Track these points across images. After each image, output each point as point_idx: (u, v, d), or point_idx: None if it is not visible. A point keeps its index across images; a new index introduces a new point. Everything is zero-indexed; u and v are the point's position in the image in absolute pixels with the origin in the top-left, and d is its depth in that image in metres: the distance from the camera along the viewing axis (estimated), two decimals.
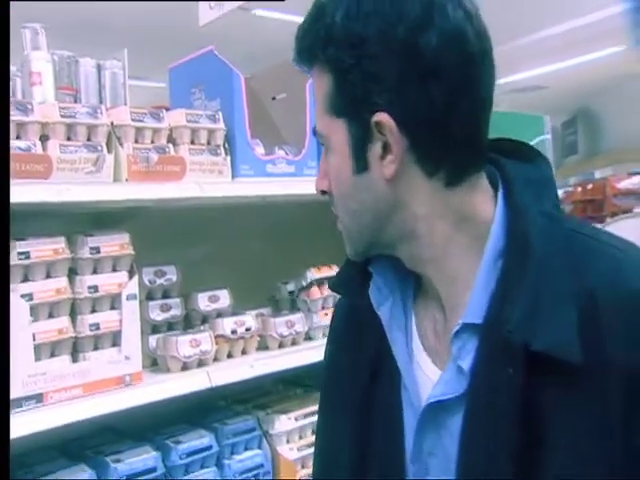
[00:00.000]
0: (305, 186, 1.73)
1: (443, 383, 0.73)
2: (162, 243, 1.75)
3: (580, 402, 0.65)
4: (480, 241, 0.73)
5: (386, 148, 0.71)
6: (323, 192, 0.80)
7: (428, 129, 0.70)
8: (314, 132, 0.79)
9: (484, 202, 0.74)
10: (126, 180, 1.42)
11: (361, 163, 0.74)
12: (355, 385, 0.82)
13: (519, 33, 7.05)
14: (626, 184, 6.56)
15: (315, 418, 1.74)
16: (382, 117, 0.70)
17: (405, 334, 0.79)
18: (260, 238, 2.04)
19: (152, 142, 1.50)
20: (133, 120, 1.47)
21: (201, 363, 1.57)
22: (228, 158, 1.60)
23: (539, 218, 0.71)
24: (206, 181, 1.53)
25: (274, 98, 1.94)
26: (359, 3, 0.69)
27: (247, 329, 1.67)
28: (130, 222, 1.59)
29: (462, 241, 0.74)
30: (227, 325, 1.63)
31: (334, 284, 0.87)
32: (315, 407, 1.76)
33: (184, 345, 1.53)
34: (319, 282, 1.82)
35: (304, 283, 1.81)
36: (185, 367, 1.54)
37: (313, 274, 1.81)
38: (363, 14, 0.69)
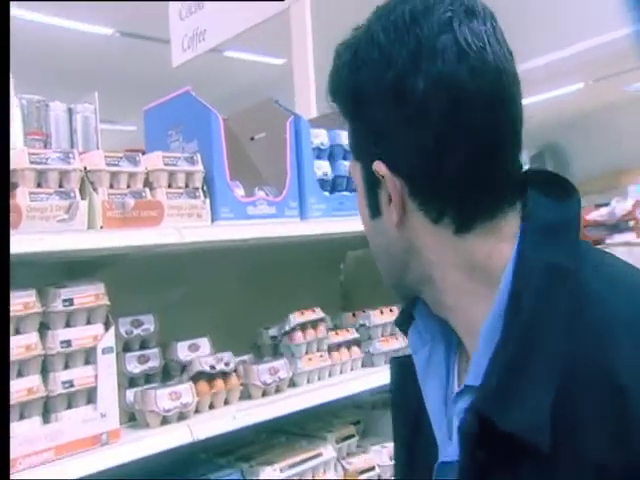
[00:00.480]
0: (287, 228, 1.69)
1: (454, 444, 0.68)
2: (138, 290, 1.68)
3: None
4: (494, 290, 0.68)
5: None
6: None
7: (423, 176, 0.68)
8: None
9: (503, 248, 0.68)
10: (101, 227, 1.36)
11: (374, 208, 0.74)
12: (402, 430, 0.83)
13: None
14: (594, 216, 6.67)
15: (301, 467, 1.68)
16: (377, 165, 0.70)
17: (446, 383, 0.75)
18: (240, 282, 1.98)
19: (128, 187, 1.45)
20: (108, 164, 1.41)
21: (182, 416, 1.49)
22: (207, 201, 1.55)
23: (542, 274, 0.65)
24: (185, 225, 1.48)
25: (252, 138, 1.90)
26: (357, 53, 0.70)
27: (226, 364, 1.59)
28: (105, 270, 1.52)
29: (475, 291, 0.69)
30: (205, 362, 1.56)
31: (395, 321, 0.86)
32: (300, 456, 1.70)
33: (163, 398, 1.45)
34: (302, 326, 1.76)
35: (287, 327, 1.75)
36: (165, 421, 1.46)
37: (296, 318, 1.75)
38: (360, 63, 0.70)
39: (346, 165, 1.91)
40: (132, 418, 1.50)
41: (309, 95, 2.55)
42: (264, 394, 1.66)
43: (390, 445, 1.90)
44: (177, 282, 1.83)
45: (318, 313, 1.80)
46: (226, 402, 1.60)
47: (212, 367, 1.57)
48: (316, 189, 1.79)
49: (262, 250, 1.87)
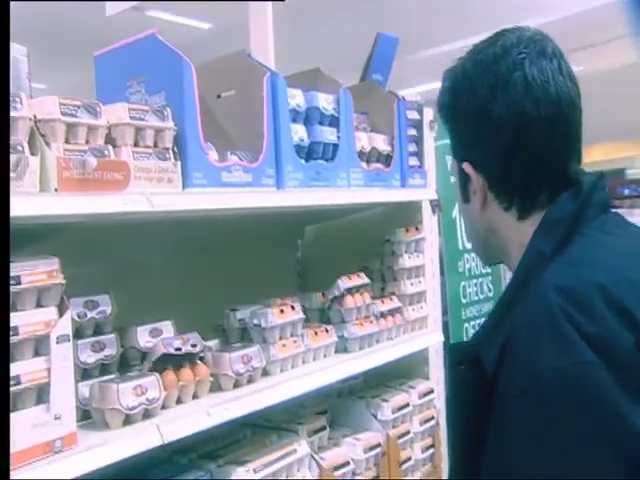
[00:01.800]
0: (263, 198, 1.49)
1: None
2: (92, 266, 1.44)
3: (492, 402, 0.83)
4: None
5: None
6: None
7: (497, 177, 0.93)
8: None
9: None
10: (56, 190, 1.11)
11: (465, 196, 1.00)
12: None
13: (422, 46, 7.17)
14: None
15: (276, 466, 1.51)
16: (465, 166, 0.96)
17: None
18: (205, 258, 1.77)
19: (87, 142, 1.20)
20: (63, 114, 1.16)
21: (147, 414, 1.27)
22: (178, 164, 1.33)
23: (530, 256, 0.88)
24: (153, 191, 1.25)
25: (219, 96, 1.68)
26: (454, 81, 0.96)
27: (193, 345, 1.39)
28: (49, 240, 1.28)
29: None
30: (169, 344, 1.36)
31: None
32: (273, 454, 1.52)
33: (127, 394, 1.23)
34: (282, 328, 1.58)
35: (264, 324, 1.55)
36: (128, 421, 1.24)
37: (276, 318, 1.56)
38: (456, 89, 0.96)
39: (323, 130, 1.73)
40: (85, 416, 1.27)
41: (268, 57, 2.33)
42: (235, 385, 1.47)
43: (363, 437, 1.77)
44: (133, 256, 1.60)
45: (297, 311, 1.62)
46: (194, 396, 1.40)
47: (178, 349, 1.37)
48: (293, 156, 1.61)
49: (234, 222, 1.67)
